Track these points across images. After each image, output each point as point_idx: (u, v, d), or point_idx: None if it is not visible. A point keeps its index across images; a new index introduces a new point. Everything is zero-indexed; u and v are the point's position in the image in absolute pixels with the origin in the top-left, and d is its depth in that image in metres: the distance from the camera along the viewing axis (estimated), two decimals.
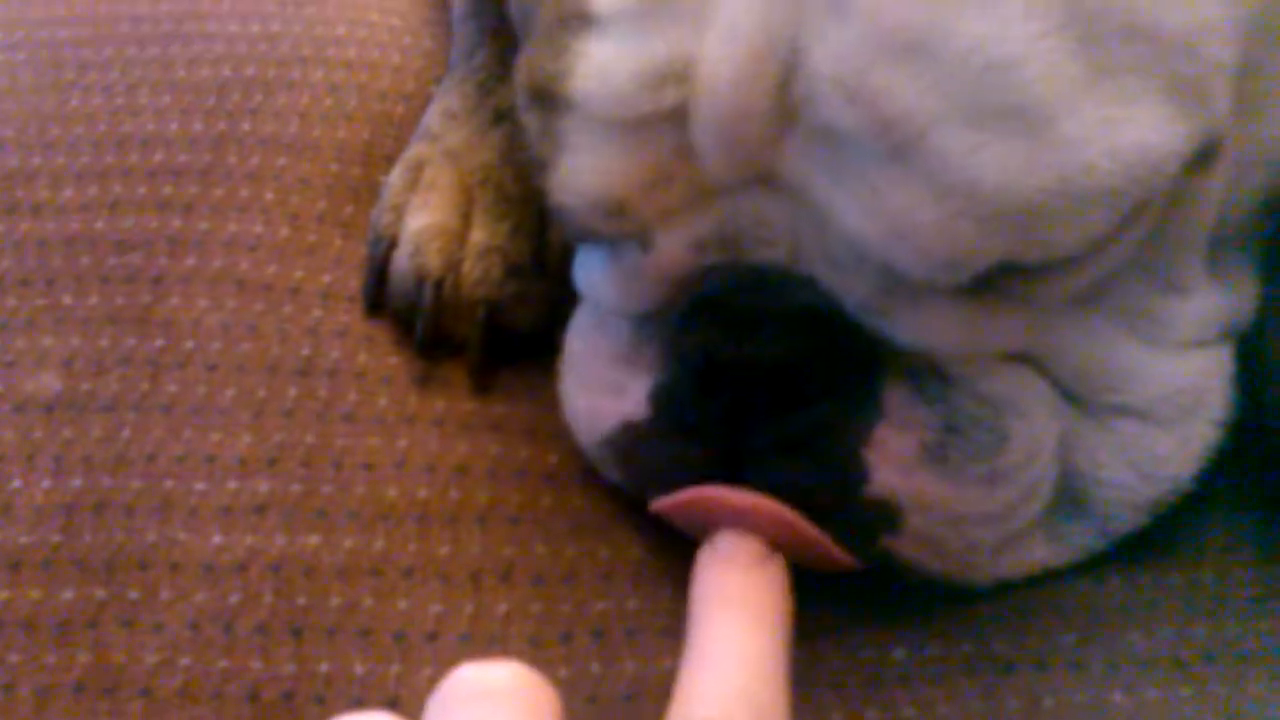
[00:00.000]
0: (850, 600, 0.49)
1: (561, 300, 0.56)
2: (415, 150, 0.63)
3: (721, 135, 0.43)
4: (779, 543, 0.45)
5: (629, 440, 0.50)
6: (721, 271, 0.47)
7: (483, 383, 0.58)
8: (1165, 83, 0.40)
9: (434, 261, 0.58)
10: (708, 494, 0.46)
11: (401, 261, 0.58)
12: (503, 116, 0.62)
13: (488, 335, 0.57)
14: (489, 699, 0.38)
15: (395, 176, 0.62)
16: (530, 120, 0.47)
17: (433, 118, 0.64)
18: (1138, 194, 0.41)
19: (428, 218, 0.59)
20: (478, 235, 0.59)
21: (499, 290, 0.57)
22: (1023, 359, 0.46)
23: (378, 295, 0.60)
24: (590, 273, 0.52)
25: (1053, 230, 0.40)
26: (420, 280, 0.57)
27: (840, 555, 0.46)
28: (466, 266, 0.58)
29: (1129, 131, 0.40)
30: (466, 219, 0.59)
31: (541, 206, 0.58)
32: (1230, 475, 0.50)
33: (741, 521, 0.46)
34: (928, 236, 0.41)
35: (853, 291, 0.45)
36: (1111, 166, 0.39)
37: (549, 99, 0.45)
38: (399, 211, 0.60)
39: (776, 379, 0.46)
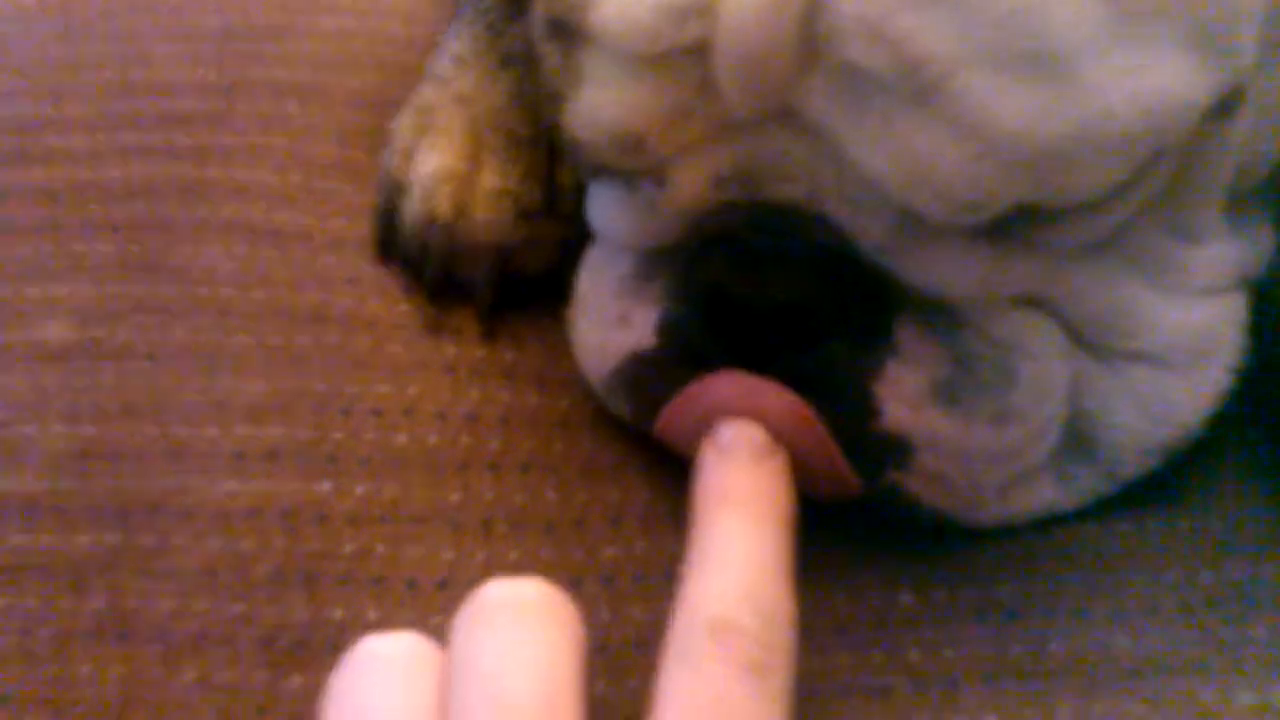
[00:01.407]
0: (857, 545, 0.50)
1: (572, 244, 0.56)
2: (424, 95, 0.62)
3: (743, 70, 0.43)
4: (784, 433, 0.45)
5: (636, 370, 0.50)
6: (737, 208, 0.47)
7: (492, 327, 0.57)
8: (1190, 30, 0.40)
9: (444, 205, 0.57)
10: (715, 383, 0.46)
11: (412, 205, 0.58)
12: (512, 59, 0.61)
13: (497, 279, 0.57)
14: (518, 610, 0.39)
15: (404, 121, 0.61)
16: (548, 52, 0.46)
17: (441, 62, 0.64)
18: (1157, 141, 0.41)
19: (437, 161, 0.59)
20: (488, 179, 0.58)
21: (509, 234, 0.57)
22: (1036, 303, 0.46)
23: (388, 240, 0.60)
24: (603, 209, 0.52)
25: (1072, 175, 0.40)
26: (430, 224, 0.57)
27: (844, 465, 0.46)
28: (477, 210, 0.57)
29: (1151, 79, 0.40)
30: (476, 162, 0.59)
31: (552, 149, 0.58)
32: (1239, 421, 0.50)
33: (750, 408, 0.46)
34: (948, 178, 0.41)
35: (869, 232, 0.45)
36: (1132, 114, 0.39)
37: (568, 31, 0.45)
38: (409, 156, 0.60)
39: (788, 316, 0.46)
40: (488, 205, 0.57)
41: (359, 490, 0.52)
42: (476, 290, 0.57)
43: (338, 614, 0.49)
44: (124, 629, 0.48)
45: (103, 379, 0.55)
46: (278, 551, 0.50)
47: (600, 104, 0.45)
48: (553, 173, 0.59)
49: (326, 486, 0.52)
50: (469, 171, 0.58)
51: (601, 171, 0.49)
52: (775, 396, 0.45)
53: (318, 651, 0.48)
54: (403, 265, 0.59)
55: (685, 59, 0.43)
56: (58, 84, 0.66)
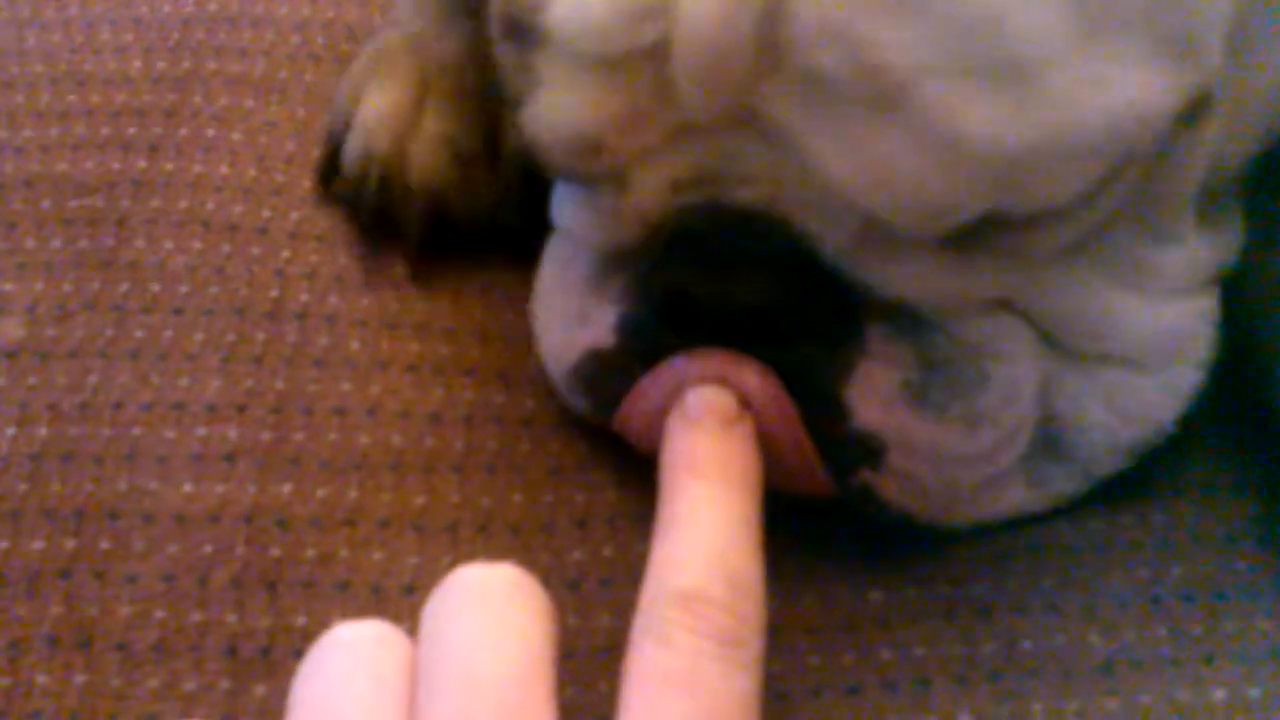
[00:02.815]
0: (826, 544, 0.49)
1: (511, 199, 0.57)
2: (380, 38, 0.63)
3: (701, 73, 0.42)
4: (753, 406, 0.45)
5: (595, 368, 0.50)
6: (699, 211, 0.46)
7: (422, 273, 0.58)
8: (1157, 37, 0.40)
9: (383, 143, 0.58)
10: (682, 360, 0.46)
11: (353, 141, 0.59)
12: (472, 11, 0.61)
13: (430, 222, 0.58)
14: (490, 593, 0.39)
15: (359, 62, 0.62)
16: (505, 53, 0.46)
17: (402, 7, 0.64)
18: (1126, 150, 0.40)
19: (381, 100, 0.59)
20: (429, 122, 0.59)
21: (444, 177, 0.58)
22: (1005, 306, 0.46)
23: (329, 173, 0.60)
24: (566, 207, 0.51)
25: (1039, 184, 0.40)
26: (368, 160, 0.58)
27: (812, 448, 0.45)
28: (414, 150, 0.58)
29: (1119, 87, 0.39)
30: (420, 105, 0.59)
31: (499, 99, 0.57)
32: (1209, 414, 0.49)
33: (719, 380, 0.45)
34: (911, 186, 0.40)
35: (831, 238, 0.44)
36: (1100, 123, 0.39)
37: (524, 31, 0.44)
38: (358, 93, 0.60)
39: (752, 318, 0.45)
40: (425, 146, 0.58)
41: (320, 493, 0.51)
42: (407, 230, 0.58)
43: (301, 621, 0.48)
44: (83, 637, 0.47)
45: (56, 379, 0.54)
46: (239, 557, 0.49)
47: (556, 107, 0.44)
48: (497, 127, 0.59)
49: (287, 489, 0.51)
50: (412, 114, 0.59)
51: (562, 174, 0.48)
52: (748, 370, 0.45)
53: (282, 659, 0.47)
54: (341, 205, 0.60)
55: (642, 61, 0.43)
56: (5, 74, 0.65)
